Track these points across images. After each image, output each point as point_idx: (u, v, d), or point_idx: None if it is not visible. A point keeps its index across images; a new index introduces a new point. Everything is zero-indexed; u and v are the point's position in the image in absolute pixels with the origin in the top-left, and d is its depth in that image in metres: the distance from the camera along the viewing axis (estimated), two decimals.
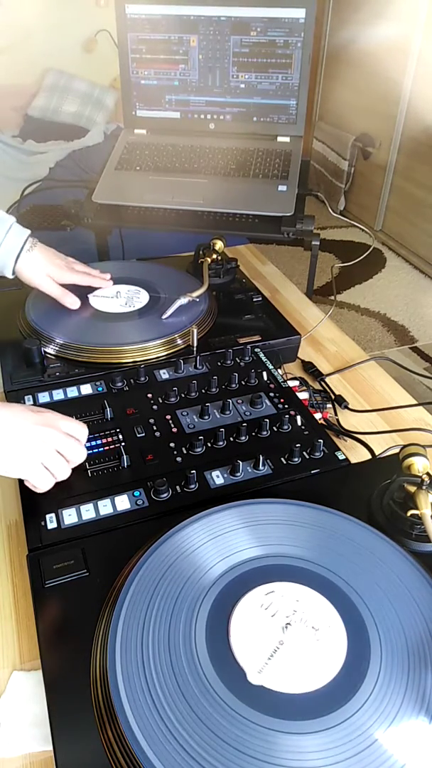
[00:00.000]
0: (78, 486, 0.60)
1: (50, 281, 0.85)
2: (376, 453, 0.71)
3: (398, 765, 0.39)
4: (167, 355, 0.81)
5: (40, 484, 0.57)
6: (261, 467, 0.63)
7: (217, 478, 0.62)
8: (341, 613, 0.48)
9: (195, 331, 0.82)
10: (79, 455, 0.60)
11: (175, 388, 0.73)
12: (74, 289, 0.88)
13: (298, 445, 0.64)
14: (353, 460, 0.67)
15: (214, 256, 0.99)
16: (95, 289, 0.91)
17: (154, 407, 0.72)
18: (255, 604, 0.48)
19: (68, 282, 0.87)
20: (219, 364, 0.80)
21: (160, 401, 0.73)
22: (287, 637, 0.45)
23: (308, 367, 0.88)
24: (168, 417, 0.70)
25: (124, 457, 0.63)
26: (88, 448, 0.63)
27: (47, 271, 0.85)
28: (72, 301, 0.86)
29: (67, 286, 0.87)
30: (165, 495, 0.60)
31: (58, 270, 0.86)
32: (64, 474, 0.59)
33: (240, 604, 0.48)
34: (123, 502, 0.59)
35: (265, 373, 0.78)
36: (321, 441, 0.65)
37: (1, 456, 0.55)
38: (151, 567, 0.51)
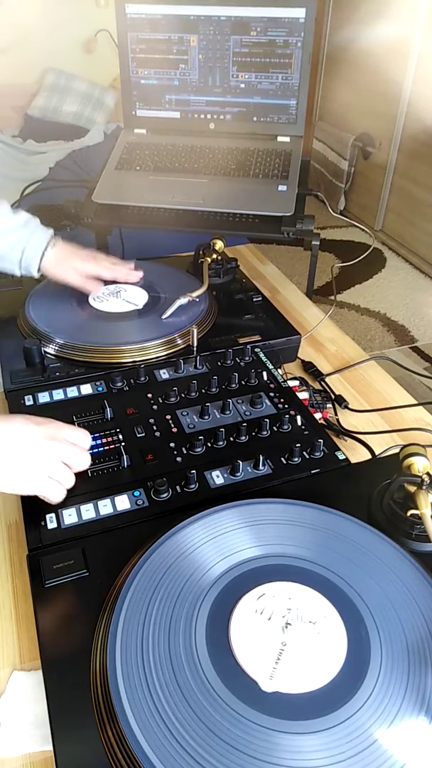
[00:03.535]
0: (78, 486, 0.60)
1: (75, 273, 0.88)
2: (376, 453, 0.71)
3: (398, 765, 0.39)
4: (167, 355, 0.81)
5: (53, 496, 0.57)
6: (261, 467, 0.63)
7: (217, 478, 0.62)
8: (341, 612, 0.48)
9: (195, 331, 0.82)
10: (83, 463, 0.60)
11: (175, 388, 0.73)
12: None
13: (298, 445, 0.64)
14: (353, 460, 0.67)
15: (214, 256, 0.99)
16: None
17: (154, 407, 0.72)
18: (255, 604, 0.48)
19: (93, 273, 0.90)
20: (219, 364, 0.80)
21: (160, 401, 0.73)
22: (287, 637, 0.45)
23: (308, 367, 0.88)
24: (168, 417, 0.70)
25: (124, 457, 0.63)
26: (87, 449, 0.63)
27: (71, 263, 0.88)
28: (93, 287, 0.89)
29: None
30: (165, 495, 0.59)
31: (82, 262, 0.89)
32: (69, 482, 0.59)
33: (240, 604, 0.48)
34: (123, 502, 0.59)
35: (265, 373, 0.78)
36: (321, 441, 0.65)
37: (8, 474, 0.55)
38: (151, 567, 0.51)
